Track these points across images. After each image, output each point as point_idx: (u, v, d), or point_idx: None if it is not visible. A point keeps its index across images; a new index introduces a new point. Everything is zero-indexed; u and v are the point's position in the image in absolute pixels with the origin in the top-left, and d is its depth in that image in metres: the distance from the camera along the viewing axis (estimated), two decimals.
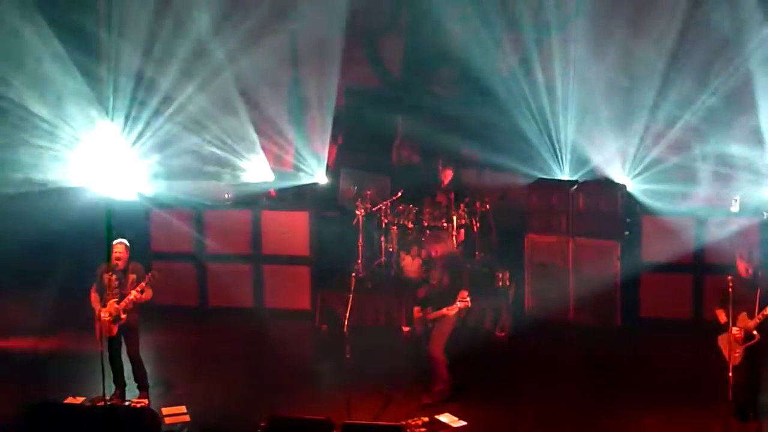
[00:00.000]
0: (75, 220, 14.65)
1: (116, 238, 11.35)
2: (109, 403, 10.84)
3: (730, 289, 10.11)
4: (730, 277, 10.17)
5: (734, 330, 10.30)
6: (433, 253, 11.54)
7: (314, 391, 12.01)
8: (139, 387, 11.61)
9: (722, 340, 10.53)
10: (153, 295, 11.36)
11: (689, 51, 14.62)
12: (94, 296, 11.39)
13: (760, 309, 10.23)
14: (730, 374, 10.16)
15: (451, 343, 11.47)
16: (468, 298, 11.25)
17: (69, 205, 15.14)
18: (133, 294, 11.16)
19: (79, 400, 11.33)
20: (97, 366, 10.80)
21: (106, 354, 11.23)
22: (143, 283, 11.17)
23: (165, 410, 11.26)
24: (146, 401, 11.37)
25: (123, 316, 11.22)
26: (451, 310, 11.26)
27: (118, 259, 11.26)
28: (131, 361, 11.54)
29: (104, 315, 11.20)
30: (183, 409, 11.34)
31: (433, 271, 11.61)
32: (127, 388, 11.63)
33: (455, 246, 13.97)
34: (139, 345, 11.55)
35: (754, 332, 10.27)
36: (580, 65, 15.17)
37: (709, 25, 14.50)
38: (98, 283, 11.38)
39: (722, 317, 10.49)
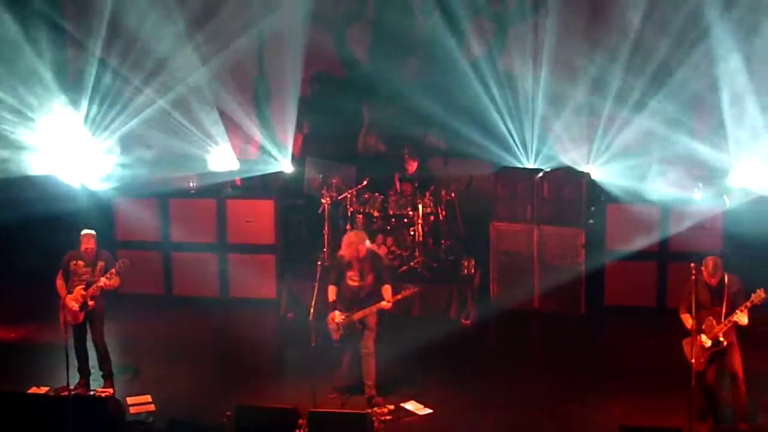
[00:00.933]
0: (40, 209, 14.53)
1: (83, 229, 11.32)
2: (73, 392, 10.80)
3: (693, 277, 9.86)
4: (693, 265, 9.90)
5: (703, 338, 10.07)
6: (360, 255, 11.24)
7: (280, 379, 12.01)
8: (103, 375, 11.53)
9: (686, 345, 10.26)
10: (120, 283, 11.31)
11: (653, 40, 14.72)
12: (60, 283, 11.30)
13: (727, 315, 10.01)
14: (693, 380, 9.84)
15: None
16: (410, 287, 11.19)
17: (34, 194, 15.01)
18: (102, 281, 11.09)
19: (43, 389, 11.27)
20: (61, 355, 10.74)
21: (71, 342, 11.19)
22: (113, 270, 11.11)
23: (130, 399, 11.20)
24: (111, 390, 11.29)
25: (90, 302, 11.16)
26: (389, 303, 10.94)
27: (86, 251, 11.23)
28: (96, 347, 11.47)
29: (70, 302, 11.14)
30: (148, 398, 11.28)
31: (352, 273, 11.11)
32: (91, 377, 11.55)
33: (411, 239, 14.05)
34: (104, 333, 11.47)
35: (721, 338, 10.04)
36: (546, 54, 15.21)
37: (672, 16, 14.59)
38: (64, 270, 11.31)
39: (687, 323, 10.19)
